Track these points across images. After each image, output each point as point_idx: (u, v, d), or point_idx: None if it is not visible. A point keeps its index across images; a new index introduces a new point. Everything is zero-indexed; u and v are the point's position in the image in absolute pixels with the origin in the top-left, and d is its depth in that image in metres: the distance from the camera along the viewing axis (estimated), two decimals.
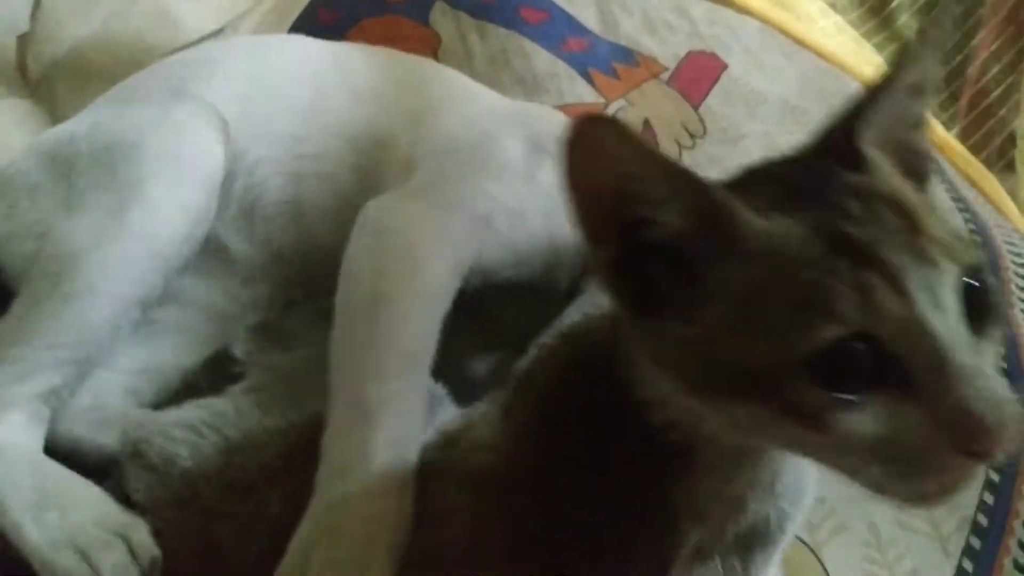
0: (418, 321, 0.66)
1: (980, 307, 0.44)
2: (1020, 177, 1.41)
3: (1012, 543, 0.71)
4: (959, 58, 1.57)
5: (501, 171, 0.76)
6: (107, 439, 0.74)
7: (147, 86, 0.92)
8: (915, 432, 0.41)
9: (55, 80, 1.18)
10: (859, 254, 0.43)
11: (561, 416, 0.54)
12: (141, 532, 0.65)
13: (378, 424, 0.60)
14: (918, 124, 0.53)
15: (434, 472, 0.59)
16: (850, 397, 0.41)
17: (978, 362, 0.42)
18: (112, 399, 0.79)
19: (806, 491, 0.55)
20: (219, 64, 0.93)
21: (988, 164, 1.44)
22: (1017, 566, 0.70)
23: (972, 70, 1.55)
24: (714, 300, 0.45)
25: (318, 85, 0.92)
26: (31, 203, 0.80)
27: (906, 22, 1.61)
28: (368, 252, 0.70)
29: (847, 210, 0.45)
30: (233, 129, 0.85)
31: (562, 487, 0.52)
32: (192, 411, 0.70)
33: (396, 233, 0.71)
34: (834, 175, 0.47)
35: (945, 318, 0.42)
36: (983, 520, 0.73)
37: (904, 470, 0.42)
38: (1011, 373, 0.81)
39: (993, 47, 1.56)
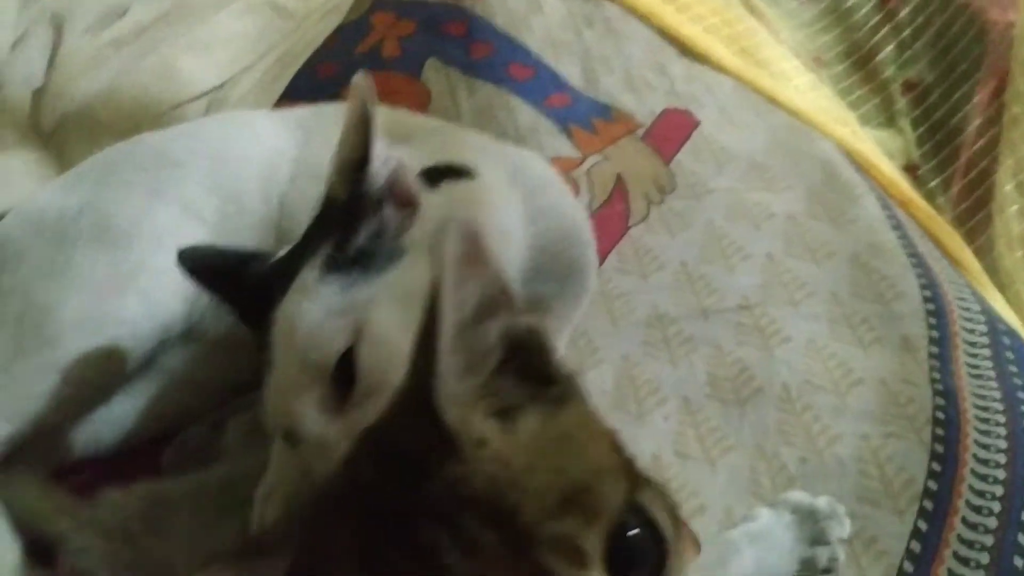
0: None
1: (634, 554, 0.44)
2: (997, 228, 1.44)
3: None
4: (956, 119, 1.61)
5: None
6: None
7: (128, 176, 0.93)
8: None
9: (66, 133, 1.25)
10: None
11: None
12: None
13: None
14: (515, 340, 0.49)
15: None
16: None
17: None
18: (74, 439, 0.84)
19: None
20: (188, 169, 0.94)
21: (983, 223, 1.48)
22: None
23: (969, 131, 1.59)
24: None
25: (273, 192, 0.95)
26: (16, 267, 0.85)
27: (892, 75, 1.65)
28: None
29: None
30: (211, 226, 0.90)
31: None
32: (118, 505, 0.73)
33: None
34: (417, 495, 0.43)
35: None
36: (909, 567, 0.77)
37: None
38: (950, 428, 0.85)
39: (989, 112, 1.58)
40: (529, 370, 0.48)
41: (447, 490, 0.42)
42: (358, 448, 0.47)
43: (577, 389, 0.50)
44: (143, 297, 0.82)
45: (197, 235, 0.88)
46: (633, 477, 0.47)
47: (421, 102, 1.29)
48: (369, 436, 0.47)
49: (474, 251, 0.43)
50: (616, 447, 0.50)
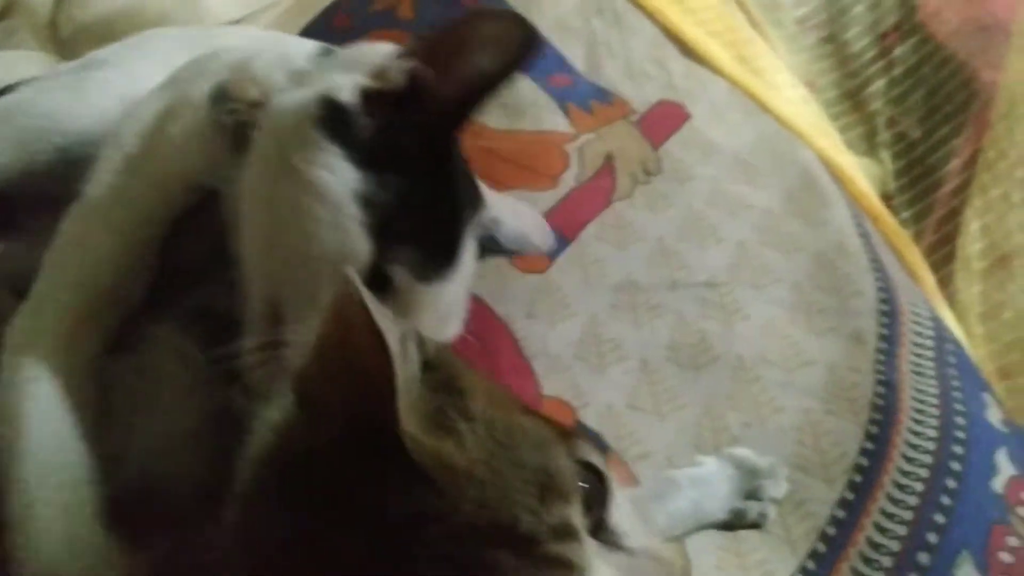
0: None
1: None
2: (959, 263, 1.51)
3: (853, 552, 0.81)
4: (934, 157, 1.68)
5: None
6: None
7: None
8: None
9: (81, 43, 1.28)
10: None
11: None
12: None
13: None
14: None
15: None
16: None
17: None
18: None
19: None
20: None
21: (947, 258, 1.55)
22: (855, 572, 0.80)
23: (946, 171, 1.66)
24: None
25: None
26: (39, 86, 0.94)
27: (879, 108, 1.72)
28: None
29: None
30: None
31: None
32: None
33: None
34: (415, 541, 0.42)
35: None
36: (831, 531, 0.82)
37: None
38: (886, 414, 0.91)
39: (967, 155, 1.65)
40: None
41: (445, 529, 0.42)
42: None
43: (454, 360, 0.52)
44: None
45: None
46: (566, 435, 0.50)
47: None
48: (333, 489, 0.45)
49: None
50: (536, 412, 0.52)
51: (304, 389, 0.47)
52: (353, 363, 0.44)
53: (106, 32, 1.29)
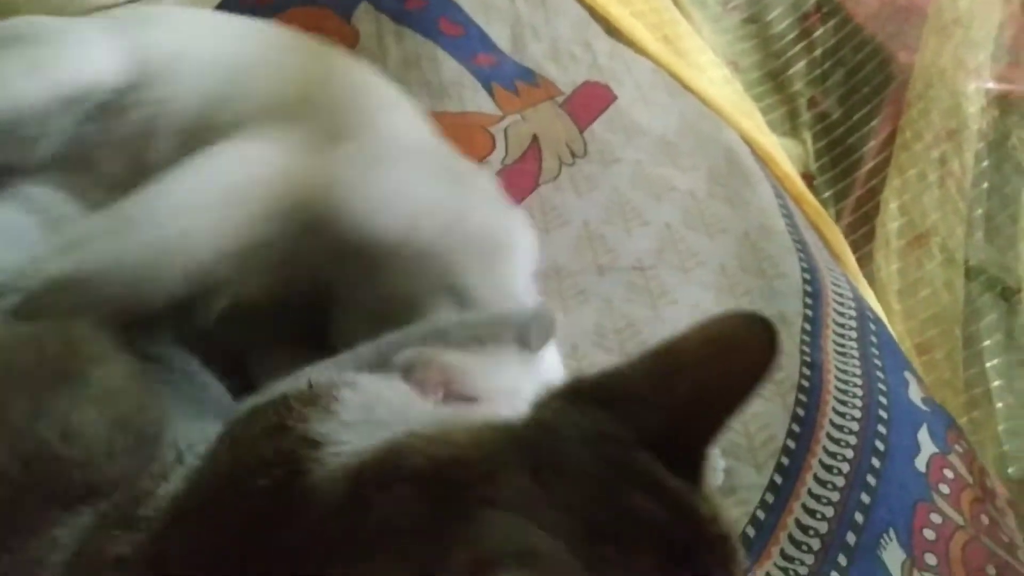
0: None
1: None
2: (879, 242, 1.54)
3: (783, 535, 0.81)
4: (853, 138, 1.70)
5: None
6: None
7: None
8: None
9: None
10: None
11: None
12: None
13: None
14: None
15: None
16: None
17: None
18: None
19: None
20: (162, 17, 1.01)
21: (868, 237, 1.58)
22: (784, 555, 0.80)
23: (865, 151, 1.69)
24: None
25: (244, 63, 0.95)
26: None
27: (800, 89, 1.74)
28: None
29: None
30: (155, 64, 0.89)
31: None
32: None
33: None
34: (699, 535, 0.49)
35: None
36: (761, 515, 0.83)
37: None
38: (812, 395, 0.92)
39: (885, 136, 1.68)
40: None
41: (714, 525, 0.49)
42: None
43: None
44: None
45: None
46: None
47: (348, 43, 1.30)
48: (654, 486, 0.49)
49: None
50: None
51: (604, 389, 0.51)
52: (705, 380, 0.50)
53: (9, 8, 1.22)
